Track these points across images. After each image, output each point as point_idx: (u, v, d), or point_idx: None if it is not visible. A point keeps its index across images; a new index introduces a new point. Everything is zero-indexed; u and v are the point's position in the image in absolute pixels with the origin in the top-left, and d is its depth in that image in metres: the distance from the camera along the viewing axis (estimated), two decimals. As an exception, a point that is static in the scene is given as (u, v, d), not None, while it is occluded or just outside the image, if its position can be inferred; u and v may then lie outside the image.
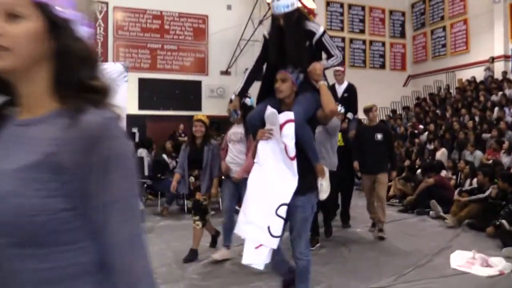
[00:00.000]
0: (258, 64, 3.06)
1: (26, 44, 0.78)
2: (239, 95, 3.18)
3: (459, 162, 8.42)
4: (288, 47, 2.78)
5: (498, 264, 4.32)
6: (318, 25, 2.84)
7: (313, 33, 2.80)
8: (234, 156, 4.46)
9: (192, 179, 4.53)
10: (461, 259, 4.50)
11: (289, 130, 2.63)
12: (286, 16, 2.74)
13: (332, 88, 6.27)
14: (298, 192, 2.66)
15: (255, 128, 2.91)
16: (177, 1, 13.25)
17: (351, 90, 6.27)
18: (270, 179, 2.71)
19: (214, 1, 13.51)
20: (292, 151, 2.63)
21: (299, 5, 2.85)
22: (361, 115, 6.62)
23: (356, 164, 5.67)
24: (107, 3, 12.83)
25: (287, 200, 2.63)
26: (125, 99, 9.98)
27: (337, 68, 6.30)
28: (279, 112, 2.71)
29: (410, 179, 8.18)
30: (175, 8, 13.39)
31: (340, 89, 6.23)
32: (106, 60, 12.59)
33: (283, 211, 2.62)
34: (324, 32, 2.81)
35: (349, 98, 6.12)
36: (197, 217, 4.45)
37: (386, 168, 5.62)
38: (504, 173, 6.18)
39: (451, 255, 4.66)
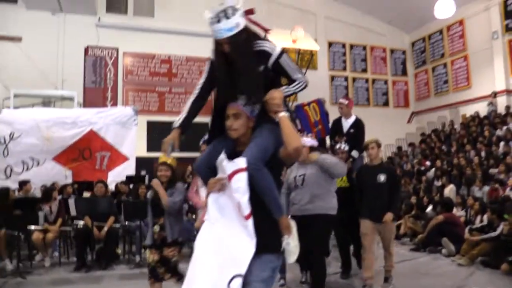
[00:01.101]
0: (202, 91, 2.52)
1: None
2: (179, 127, 2.47)
3: (468, 198, 8.42)
4: (237, 75, 2.29)
5: (514, 303, 4.29)
6: (273, 45, 2.34)
7: (268, 55, 2.29)
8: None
9: (156, 228, 3.93)
10: (477, 299, 4.47)
11: (240, 183, 2.12)
12: (231, 40, 2.25)
13: (338, 122, 6.18)
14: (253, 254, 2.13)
15: (204, 177, 2.40)
16: (184, 46, 13.69)
17: (358, 125, 5.89)
18: (222, 243, 2.17)
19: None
20: (246, 209, 2.12)
21: (245, 23, 2.34)
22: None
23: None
24: (117, 49, 13.29)
25: (243, 270, 2.11)
26: (135, 142, 10.27)
27: (340, 100, 6.27)
28: (236, 154, 2.23)
29: (420, 216, 8.17)
30: (182, 52, 13.82)
31: (347, 124, 5.94)
32: (115, 104, 12.93)
33: (237, 284, 2.09)
34: (283, 52, 2.32)
35: (355, 134, 5.74)
36: (168, 275, 3.83)
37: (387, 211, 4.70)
38: (513, 210, 6.18)
39: (467, 294, 4.62)
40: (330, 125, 6.88)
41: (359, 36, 16.24)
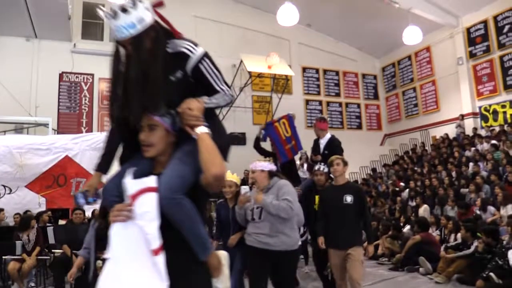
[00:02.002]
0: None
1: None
2: (100, 170, 2.06)
3: (442, 217, 8.66)
4: (146, 82, 1.80)
5: (491, 318, 4.42)
6: (194, 45, 1.86)
7: (186, 56, 1.84)
8: None
9: (99, 263, 3.39)
10: (456, 315, 4.59)
11: (146, 206, 1.66)
12: (135, 40, 1.77)
13: (315, 142, 5.93)
14: None
15: (110, 207, 1.87)
16: (160, 71, 13.75)
17: (331, 145, 5.57)
18: (125, 285, 1.66)
19: (196, 70, 14.09)
20: (155, 241, 1.64)
21: (153, 18, 1.82)
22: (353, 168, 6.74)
23: (321, 240, 4.30)
24: (92, 75, 13.25)
25: None
26: (111, 168, 10.16)
27: (314, 122, 6.11)
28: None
29: (397, 237, 8.33)
30: (158, 78, 13.86)
31: (321, 145, 5.72)
32: (90, 129, 12.80)
33: None
34: (206, 55, 1.86)
35: (330, 155, 5.00)
36: None
37: (360, 240, 4.34)
38: (486, 228, 6.42)
39: (446, 311, 4.73)
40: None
41: (331, 61, 16.74)
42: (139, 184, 1.69)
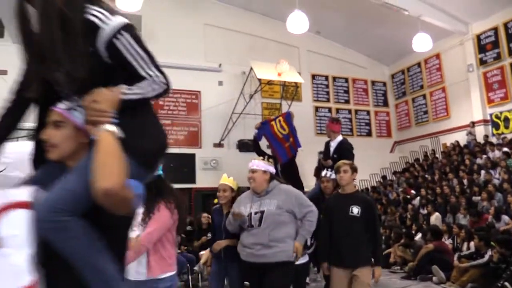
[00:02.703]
0: (17, 95, 1.59)
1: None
2: None
3: (454, 226, 8.60)
4: (46, 49, 1.41)
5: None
6: (110, 14, 1.43)
7: (95, 28, 1.40)
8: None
9: None
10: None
11: (15, 228, 1.29)
12: None
13: (326, 145, 5.59)
14: None
15: None
16: (170, 78, 13.63)
17: (341, 148, 5.15)
18: None
19: (206, 77, 14.21)
20: (24, 275, 1.26)
21: None
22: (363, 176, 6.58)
23: (325, 266, 3.84)
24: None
25: None
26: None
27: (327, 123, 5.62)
28: None
29: (409, 245, 8.28)
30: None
31: (332, 148, 5.34)
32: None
33: None
34: (125, 28, 1.43)
35: (340, 159, 4.51)
36: None
37: (368, 259, 3.74)
38: (499, 238, 6.36)
39: (461, 321, 4.69)
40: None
41: (341, 68, 16.74)
42: (2, 196, 1.30)
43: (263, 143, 6.76)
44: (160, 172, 2.84)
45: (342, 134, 5.67)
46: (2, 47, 12.34)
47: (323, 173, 4.67)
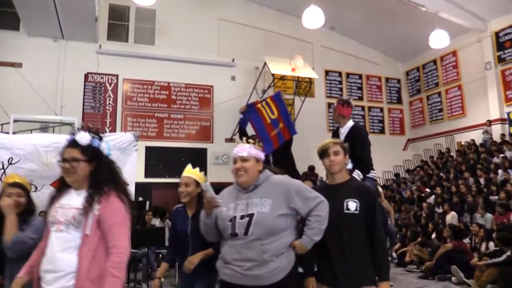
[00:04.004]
0: None
1: None
2: None
3: (472, 225, 8.45)
4: None
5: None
6: None
7: None
8: (50, 256, 2.07)
9: None
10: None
11: None
12: None
13: (335, 134, 4.60)
14: None
15: None
16: (183, 73, 13.82)
17: (353, 135, 4.24)
18: None
19: (219, 72, 14.13)
20: None
21: None
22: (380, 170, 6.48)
23: (311, 284, 2.68)
24: (117, 76, 13.35)
25: None
26: (135, 167, 10.19)
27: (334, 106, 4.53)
28: None
29: (426, 244, 8.15)
30: (182, 79, 13.94)
31: (342, 135, 4.41)
32: (114, 129, 12.89)
33: None
34: None
35: (352, 149, 3.67)
36: None
37: (371, 275, 2.63)
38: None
39: (485, 322, 4.57)
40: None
41: (355, 65, 16.55)
42: None
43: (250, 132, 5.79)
44: (109, 152, 2.25)
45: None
46: (18, 41, 12.38)
47: None
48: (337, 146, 2.79)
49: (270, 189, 2.51)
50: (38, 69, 12.25)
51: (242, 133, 5.64)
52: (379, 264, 2.62)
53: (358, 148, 3.93)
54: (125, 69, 13.35)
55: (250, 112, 5.46)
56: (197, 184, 3.12)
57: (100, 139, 2.24)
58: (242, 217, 2.44)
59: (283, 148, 5.08)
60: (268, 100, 5.47)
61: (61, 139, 10.81)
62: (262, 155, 2.65)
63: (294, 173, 4.49)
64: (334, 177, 2.79)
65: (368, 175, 4.15)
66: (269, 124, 5.29)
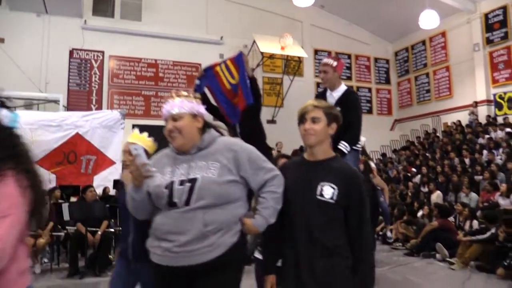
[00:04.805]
0: None
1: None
2: None
3: (456, 204, 8.60)
4: None
5: (516, 306, 4.38)
6: None
7: None
8: None
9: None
10: (480, 302, 4.54)
11: None
12: None
13: (321, 97, 3.79)
14: None
15: None
16: (171, 50, 13.60)
17: (347, 100, 3.64)
18: None
19: (207, 50, 13.92)
20: None
21: None
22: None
23: (270, 281, 2.16)
24: (103, 52, 13.08)
25: None
26: (121, 145, 10.09)
27: (324, 60, 3.83)
28: None
29: (412, 222, 8.27)
30: (169, 57, 13.72)
31: (332, 99, 3.69)
32: (100, 107, 12.69)
33: None
34: None
35: (344, 115, 3.00)
36: None
37: (347, 278, 2.00)
38: (507, 218, 6.31)
39: (469, 298, 4.69)
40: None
41: (344, 44, 16.47)
42: None
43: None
44: (12, 123, 1.79)
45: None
46: (0, 15, 11.99)
47: None
48: (318, 111, 2.11)
49: (218, 152, 2.03)
50: (21, 45, 11.94)
51: (206, 103, 4.21)
52: (361, 278, 1.98)
53: (352, 116, 3.44)
54: (111, 46, 13.08)
55: (207, 77, 4.38)
56: (146, 152, 2.41)
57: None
58: (181, 183, 1.95)
59: (250, 115, 4.07)
60: (228, 62, 4.33)
61: (46, 116, 10.66)
62: (200, 108, 2.09)
63: (262, 146, 3.57)
64: (312, 151, 2.14)
65: (355, 147, 3.67)
66: (229, 90, 4.28)
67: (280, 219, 2.08)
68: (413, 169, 12.20)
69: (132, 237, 2.57)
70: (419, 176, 11.43)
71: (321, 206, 2.02)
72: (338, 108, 3.20)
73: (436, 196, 9.63)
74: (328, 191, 2.03)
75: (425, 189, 10.45)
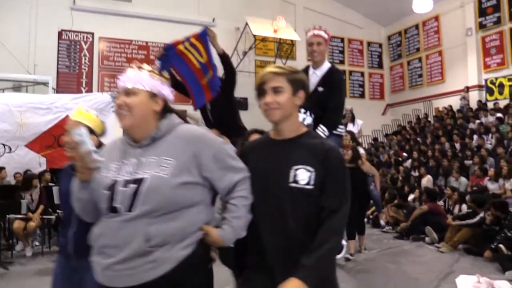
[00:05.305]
0: None
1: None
2: None
3: (446, 188, 8.69)
4: None
5: (503, 287, 4.45)
6: None
7: None
8: None
9: None
10: (467, 284, 4.60)
11: None
12: None
13: (304, 73, 3.04)
14: None
15: None
16: (162, 32, 13.35)
17: (331, 79, 3.28)
18: None
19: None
20: None
21: None
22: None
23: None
24: (92, 34, 12.86)
25: None
26: (113, 129, 10.01)
27: (311, 32, 3.54)
28: None
29: (402, 206, 8.35)
30: (160, 39, 13.44)
31: (315, 77, 3.33)
32: (90, 89, 12.54)
33: None
34: None
35: (327, 96, 3.18)
36: None
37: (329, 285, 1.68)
38: (495, 202, 6.40)
39: (456, 280, 4.73)
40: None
41: (337, 28, 16.31)
42: None
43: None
44: None
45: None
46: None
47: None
48: (279, 79, 1.69)
49: (176, 145, 1.61)
50: (8, 25, 11.68)
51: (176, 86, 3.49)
52: (313, 259, 1.52)
53: (334, 96, 3.12)
54: (101, 27, 12.86)
55: (170, 56, 3.80)
56: (92, 133, 2.20)
57: None
58: (126, 184, 1.55)
59: (223, 94, 3.58)
60: (193, 39, 3.74)
61: (35, 99, 10.51)
62: (163, 89, 1.70)
63: (237, 129, 3.38)
64: (279, 129, 1.74)
65: (336, 131, 3.23)
66: (199, 69, 3.72)
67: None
68: (404, 154, 12.27)
69: (73, 230, 2.16)
70: (410, 160, 11.51)
71: (297, 196, 1.61)
72: (321, 89, 3.20)
73: (426, 181, 9.71)
74: (303, 175, 1.63)
75: (416, 174, 10.53)
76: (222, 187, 1.67)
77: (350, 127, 8.09)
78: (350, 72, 16.67)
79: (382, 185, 10.01)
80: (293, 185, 1.63)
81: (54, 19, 12.28)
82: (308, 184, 1.62)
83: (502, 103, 12.34)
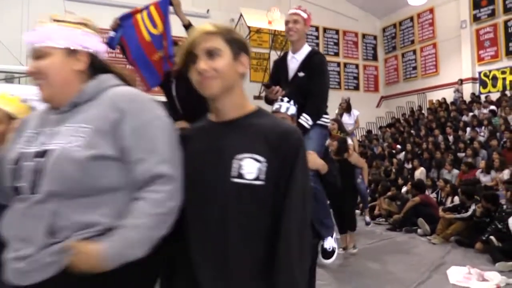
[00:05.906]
0: None
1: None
2: None
3: (438, 180, 8.75)
4: None
5: (493, 278, 4.52)
6: None
7: None
8: None
9: None
10: (458, 275, 4.67)
11: None
12: None
13: (281, 62, 3.04)
14: None
15: None
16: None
17: (312, 62, 2.87)
18: None
19: (192, 23, 13.63)
20: None
21: None
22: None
23: None
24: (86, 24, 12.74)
25: None
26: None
27: (291, 11, 2.95)
28: None
29: (396, 197, 8.42)
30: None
31: (294, 63, 2.94)
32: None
33: None
34: None
35: (308, 82, 2.83)
36: None
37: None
38: (486, 194, 6.46)
39: (447, 271, 4.82)
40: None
41: (332, 19, 16.32)
42: None
43: None
44: None
45: (330, 88, 3.03)
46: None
47: (275, 106, 2.48)
48: (214, 38, 1.28)
49: (100, 110, 1.27)
50: (0, 15, 11.56)
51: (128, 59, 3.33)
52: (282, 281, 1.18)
53: (317, 82, 2.79)
54: (94, 19, 12.68)
55: (125, 27, 3.33)
56: (10, 118, 1.95)
57: None
58: (34, 157, 1.23)
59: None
60: (152, 8, 3.30)
61: (28, 90, 10.51)
62: (85, 40, 1.36)
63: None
64: (218, 106, 1.32)
65: (319, 121, 2.84)
66: (149, 43, 3.23)
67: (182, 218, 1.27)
68: (398, 146, 12.34)
69: None
70: (403, 153, 11.57)
71: (241, 194, 1.21)
72: (302, 74, 2.83)
73: (420, 173, 9.77)
74: (250, 167, 1.22)
75: (409, 166, 10.60)
76: (136, 176, 1.22)
77: (345, 117, 8.07)
78: (345, 64, 16.68)
79: (375, 177, 10.10)
80: (237, 180, 1.22)
81: (45, 6, 12.14)
82: (257, 179, 1.21)
83: (495, 96, 12.42)
